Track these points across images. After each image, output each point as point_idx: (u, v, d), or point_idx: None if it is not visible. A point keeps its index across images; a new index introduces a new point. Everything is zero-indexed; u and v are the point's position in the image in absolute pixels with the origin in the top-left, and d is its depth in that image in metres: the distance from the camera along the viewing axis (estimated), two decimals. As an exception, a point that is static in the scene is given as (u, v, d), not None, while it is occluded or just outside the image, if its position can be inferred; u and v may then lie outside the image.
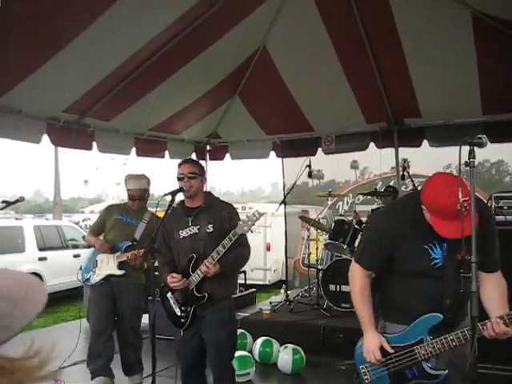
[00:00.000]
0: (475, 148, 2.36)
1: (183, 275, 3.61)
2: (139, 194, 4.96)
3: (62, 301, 10.04)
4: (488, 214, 2.68)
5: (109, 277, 4.84)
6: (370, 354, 2.65)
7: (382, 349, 2.65)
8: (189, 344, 3.71)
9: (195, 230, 3.66)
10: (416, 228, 2.59)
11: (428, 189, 2.52)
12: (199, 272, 3.55)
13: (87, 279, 4.97)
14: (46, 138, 5.81)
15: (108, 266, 4.86)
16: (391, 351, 2.64)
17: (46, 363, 0.73)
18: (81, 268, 5.11)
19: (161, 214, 4.06)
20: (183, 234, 3.69)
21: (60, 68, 4.91)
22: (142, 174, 5.11)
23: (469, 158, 2.39)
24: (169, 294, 3.76)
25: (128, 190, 5.00)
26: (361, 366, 2.79)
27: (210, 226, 3.64)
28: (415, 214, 2.57)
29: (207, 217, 3.67)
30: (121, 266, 4.81)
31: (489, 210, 3.09)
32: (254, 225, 3.49)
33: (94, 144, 6.42)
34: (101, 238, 5.07)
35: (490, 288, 2.56)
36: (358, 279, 2.77)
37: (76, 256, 10.74)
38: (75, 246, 11.32)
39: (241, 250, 3.66)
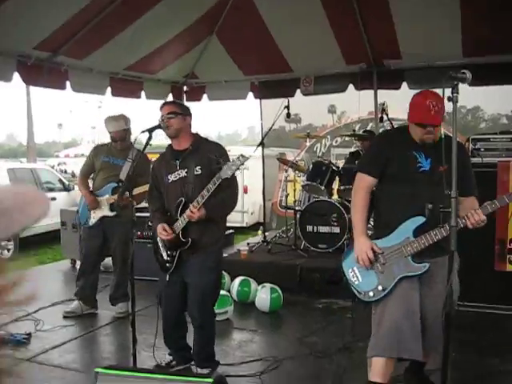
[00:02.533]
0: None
1: (171, 219, 3.63)
2: (119, 135, 5.18)
3: (39, 243, 10.01)
4: (464, 147, 3.19)
5: (102, 218, 5.28)
6: (363, 253, 2.95)
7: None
8: (173, 287, 3.74)
9: (183, 173, 3.62)
10: (407, 141, 3.03)
11: (411, 99, 3.02)
12: (184, 216, 3.53)
13: (86, 222, 5.39)
14: (17, 77, 5.61)
15: (101, 208, 5.28)
16: (380, 251, 2.97)
17: (18, 284, 0.70)
18: (78, 212, 5.59)
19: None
20: (172, 177, 3.66)
21: (30, 1, 4.68)
22: (120, 114, 5.29)
23: (452, 93, 2.39)
24: (158, 238, 3.77)
25: (110, 133, 5.22)
26: (349, 270, 3.07)
27: (197, 168, 3.59)
28: (406, 134, 3.07)
29: (195, 159, 3.62)
30: (111, 207, 5.23)
31: (464, 146, 3.52)
32: (238, 169, 3.45)
33: (68, 83, 6.22)
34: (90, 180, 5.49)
35: (465, 205, 2.84)
36: (361, 189, 3.11)
37: (52, 199, 10.58)
38: (51, 189, 11.06)
39: (227, 193, 3.62)
